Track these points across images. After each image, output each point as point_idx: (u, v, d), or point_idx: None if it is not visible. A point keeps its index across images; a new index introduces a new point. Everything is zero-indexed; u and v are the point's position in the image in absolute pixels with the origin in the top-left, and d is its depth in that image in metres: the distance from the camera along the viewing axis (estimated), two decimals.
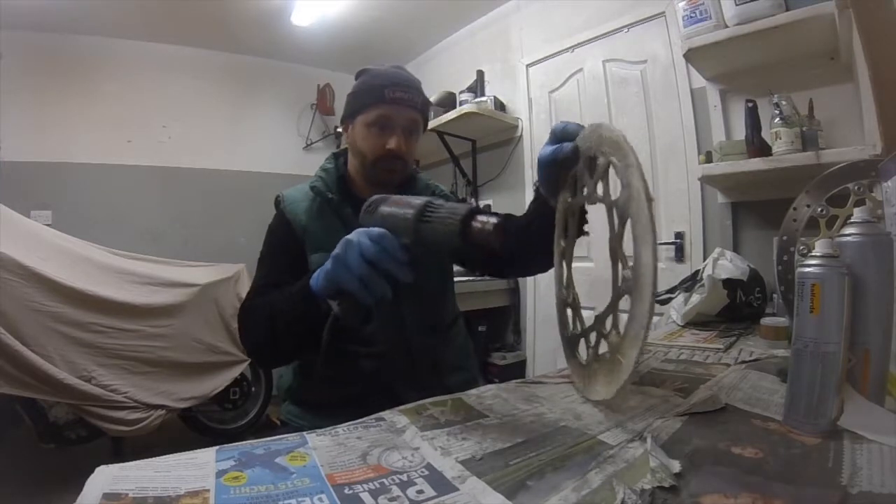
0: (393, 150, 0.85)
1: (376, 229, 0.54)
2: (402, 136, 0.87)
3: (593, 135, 0.57)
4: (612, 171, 0.54)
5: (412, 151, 0.91)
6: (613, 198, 0.53)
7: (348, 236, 0.55)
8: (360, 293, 0.53)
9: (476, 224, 0.47)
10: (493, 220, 0.46)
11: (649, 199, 0.46)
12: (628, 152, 0.49)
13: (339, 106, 3.09)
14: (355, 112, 0.89)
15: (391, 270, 0.52)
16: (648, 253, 0.45)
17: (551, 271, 0.72)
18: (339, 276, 0.55)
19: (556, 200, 0.67)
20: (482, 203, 2.53)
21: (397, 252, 0.52)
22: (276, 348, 0.72)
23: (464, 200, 2.29)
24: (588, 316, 0.63)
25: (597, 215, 0.62)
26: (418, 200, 0.53)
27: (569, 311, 0.65)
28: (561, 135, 0.62)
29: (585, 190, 0.59)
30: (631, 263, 0.48)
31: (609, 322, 0.54)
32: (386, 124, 0.86)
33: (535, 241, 0.72)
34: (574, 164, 0.60)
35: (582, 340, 0.62)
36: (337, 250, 0.55)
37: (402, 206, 0.54)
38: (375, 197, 0.58)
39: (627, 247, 0.50)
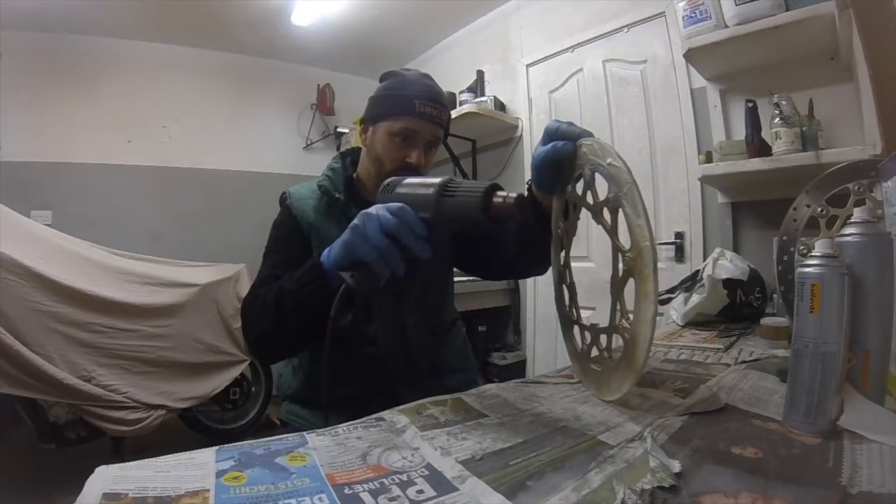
0: (412, 165, 0.85)
1: (395, 203, 0.54)
2: (422, 152, 0.86)
3: (602, 153, 0.56)
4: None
5: (429, 165, 0.90)
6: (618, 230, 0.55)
7: (367, 210, 0.56)
8: (376, 264, 0.54)
9: (497, 199, 0.49)
10: (514, 194, 0.48)
11: (654, 253, 0.48)
12: (638, 203, 0.50)
13: (340, 106, 3.11)
14: (379, 117, 0.87)
15: (410, 244, 0.53)
16: (644, 346, 0.48)
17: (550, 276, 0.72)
18: (357, 247, 0.55)
19: (554, 195, 0.67)
20: None
21: (416, 226, 0.53)
22: (281, 334, 0.71)
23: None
24: (586, 316, 0.63)
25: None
26: (437, 178, 0.54)
27: (576, 329, 0.65)
28: (555, 134, 0.63)
29: (590, 196, 0.59)
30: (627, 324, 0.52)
31: (618, 316, 0.55)
32: (410, 137, 0.85)
33: (533, 240, 0.72)
34: (572, 161, 0.61)
35: (581, 341, 0.62)
36: (356, 221, 0.56)
37: (422, 184, 0.55)
38: (392, 178, 0.59)
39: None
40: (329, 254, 0.61)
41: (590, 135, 0.60)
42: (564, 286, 0.66)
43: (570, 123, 0.62)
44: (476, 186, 0.51)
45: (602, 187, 0.56)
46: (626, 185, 0.51)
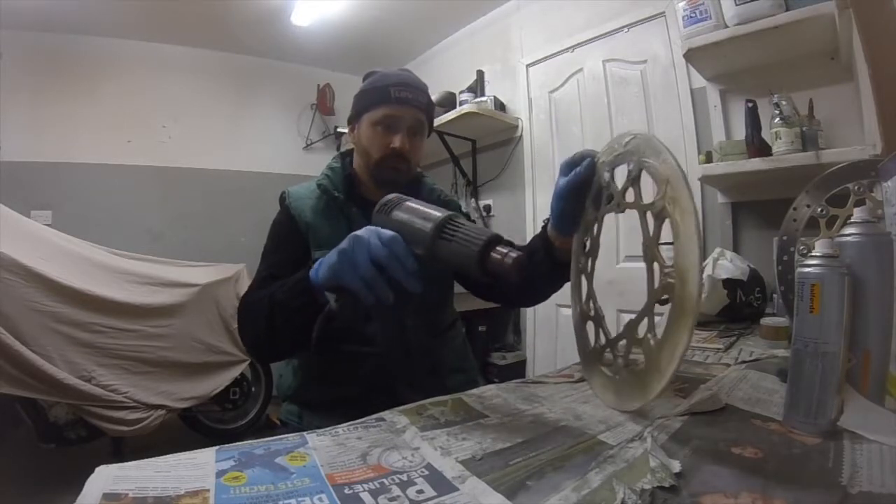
0: (397, 150, 0.85)
1: (388, 232, 0.52)
2: (406, 136, 0.87)
3: (636, 144, 0.57)
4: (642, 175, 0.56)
5: (417, 152, 0.91)
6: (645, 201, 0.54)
7: (357, 232, 0.54)
8: (361, 293, 0.52)
9: (496, 255, 0.46)
10: (513, 253, 0.45)
11: (697, 215, 0.47)
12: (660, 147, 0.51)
13: (340, 106, 3.11)
14: (361, 111, 0.89)
15: (398, 277, 0.51)
16: (695, 276, 0.45)
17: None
18: (343, 273, 0.53)
19: (574, 230, 0.67)
20: (482, 203, 2.54)
21: (407, 260, 0.51)
22: (274, 341, 0.71)
23: (459, 209, 2.29)
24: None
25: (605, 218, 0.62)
26: (438, 213, 0.51)
27: (590, 325, 0.64)
28: (571, 163, 0.65)
29: (631, 194, 0.59)
30: (669, 266, 0.49)
31: (642, 327, 0.53)
32: (391, 123, 0.86)
33: (533, 276, 0.72)
34: (591, 181, 0.62)
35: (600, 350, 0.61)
36: (344, 245, 0.54)
37: (420, 215, 0.52)
38: (390, 197, 0.57)
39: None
40: (317, 271, 0.60)
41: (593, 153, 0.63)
42: (590, 320, 0.63)
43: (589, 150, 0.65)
44: (476, 236, 0.47)
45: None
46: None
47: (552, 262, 0.72)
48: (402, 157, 0.86)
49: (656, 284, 0.51)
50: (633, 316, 0.54)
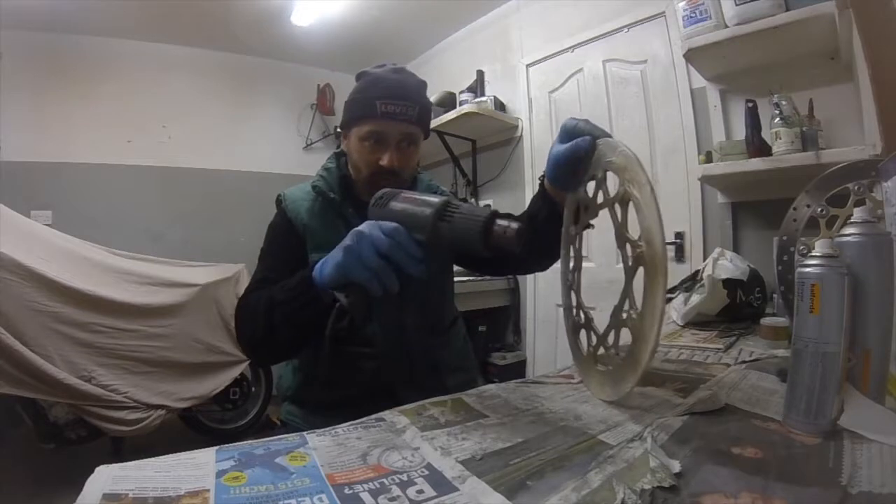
0: (386, 168, 0.83)
1: (389, 223, 0.54)
2: (395, 152, 0.83)
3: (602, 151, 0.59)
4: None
5: (410, 163, 0.88)
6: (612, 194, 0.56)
7: (359, 227, 0.55)
8: (370, 285, 0.53)
9: (497, 228, 0.47)
10: (514, 225, 0.46)
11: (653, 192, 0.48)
12: (639, 171, 0.51)
13: (339, 106, 3.09)
14: (350, 123, 0.86)
15: (403, 265, 0.53)
16: (658, 231, 0.48)
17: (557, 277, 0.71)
18: (351, 268, 0.54)
19: (568, 193, 0.67)
20: (482, 203, 2.54)
21: (411, 247, 0.53)
22: (273, 342, 0.71)
23: (465, 200, 2.31)
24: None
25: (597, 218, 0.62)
26: (435, 199, 0.52)
27: (583, 334, 0.64)
28: (573, 132, 0.63)
29: (601, 195, 0.60)
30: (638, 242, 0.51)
31: (626, 305, 0.54)
32: (379, 139, 0.83)
33: (541, 234, 0.71)
34: (590, 159, 0.61)
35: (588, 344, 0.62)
36: (348, 241, 0.55)
37: (418, 202, 0.54)
38: (385, 190, 0.58)
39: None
40: (322, 271, 0.60)
41: (607, 135, 0.61)
42: (573, 291, 0.65)
43: (587, 121, 0.62)
44: (475, 213, 0.49)
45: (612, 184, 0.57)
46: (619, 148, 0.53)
47: (556, 216, 0.70)
48: (392, 172, 0.83)
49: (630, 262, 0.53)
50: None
